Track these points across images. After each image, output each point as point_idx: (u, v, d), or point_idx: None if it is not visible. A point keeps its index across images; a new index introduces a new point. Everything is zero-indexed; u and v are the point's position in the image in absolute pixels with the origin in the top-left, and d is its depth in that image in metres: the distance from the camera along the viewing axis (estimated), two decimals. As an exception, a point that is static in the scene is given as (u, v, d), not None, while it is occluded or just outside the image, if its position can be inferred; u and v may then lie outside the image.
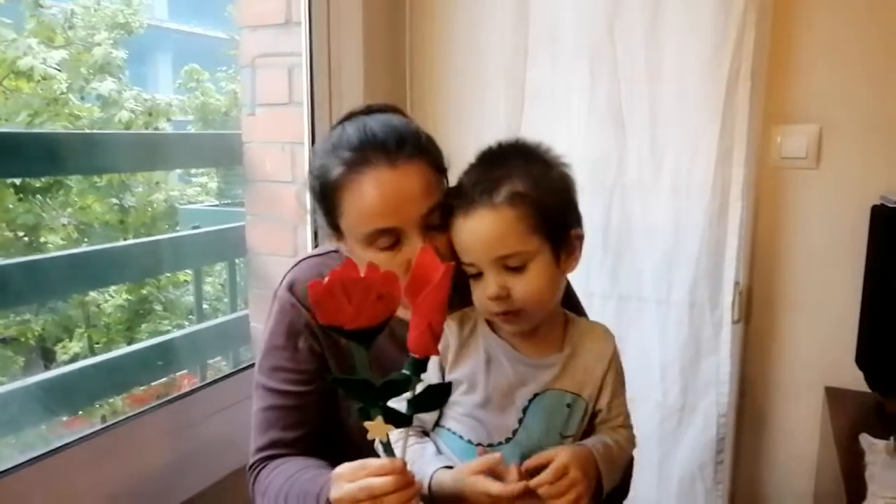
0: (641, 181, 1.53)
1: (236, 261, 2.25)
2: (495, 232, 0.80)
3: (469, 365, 0.82)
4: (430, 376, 0.81)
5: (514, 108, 1.62)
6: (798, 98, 1.50)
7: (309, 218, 1.47)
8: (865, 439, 1.26)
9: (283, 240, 1.55)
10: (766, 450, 1.64)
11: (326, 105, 1.50)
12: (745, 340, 1.59)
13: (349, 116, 0.89)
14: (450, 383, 0.74)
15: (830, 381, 1.52)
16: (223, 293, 2.61)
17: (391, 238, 0.82)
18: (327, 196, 0.85)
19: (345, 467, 0.75)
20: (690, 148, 1.48)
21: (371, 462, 0.73)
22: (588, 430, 0.88)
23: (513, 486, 0.75)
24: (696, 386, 1.53)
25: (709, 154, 1.47)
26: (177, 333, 2.33)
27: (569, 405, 0.83)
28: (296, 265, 0.96)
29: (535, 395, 0.82)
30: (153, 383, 2.18)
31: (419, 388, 0.72)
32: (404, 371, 0.71)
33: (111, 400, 2.05)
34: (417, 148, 0.84)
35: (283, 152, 1.52)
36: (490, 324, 0.86)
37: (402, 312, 0.73)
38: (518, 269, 0.80)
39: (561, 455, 0.78)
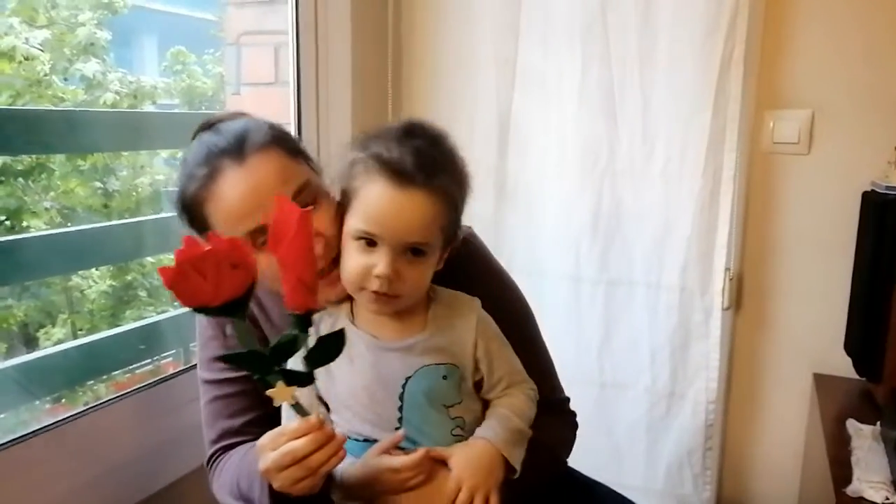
0: (632, 166, 1.52)
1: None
2: (423, 217, 0.78)
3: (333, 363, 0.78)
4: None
5: (505, 91, 1.61)
6: (791, 83, 1.49)
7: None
8: (852, 425, 1.26)
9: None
10: (755, 436, 1.64)
11: (313, 85, 1.47)
12: (735, 326, 1.59)
13: (193, 137, 0.90)
14: (341, 330, 0.70)
15: (819, 367, 1.52)
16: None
17: (267, 234, 0.79)
18: (194, 217, 0.85)
19: (265, 437, 0.74)
20: (682, 132, 1.47)
21: (288, 426, 0.72)
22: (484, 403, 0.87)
23: (413, 455, 0.76)
24: (685, 372, 1.53)
25: (700, 139, 1.46)
26: (159, 317, 2.30)
27: (444, 377, 0.82)
28: None
29: (408, 379, 0.80)
30: (138, 371, 2.15)
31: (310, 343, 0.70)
32: (289, 332, 0.69)
33: (95, 387, 2.02)
34: (261, 141, 0.84)
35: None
36: (351, 312, 0.84)
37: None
38: (416, 258, 0.79)
39: (453, 467, 0.79)
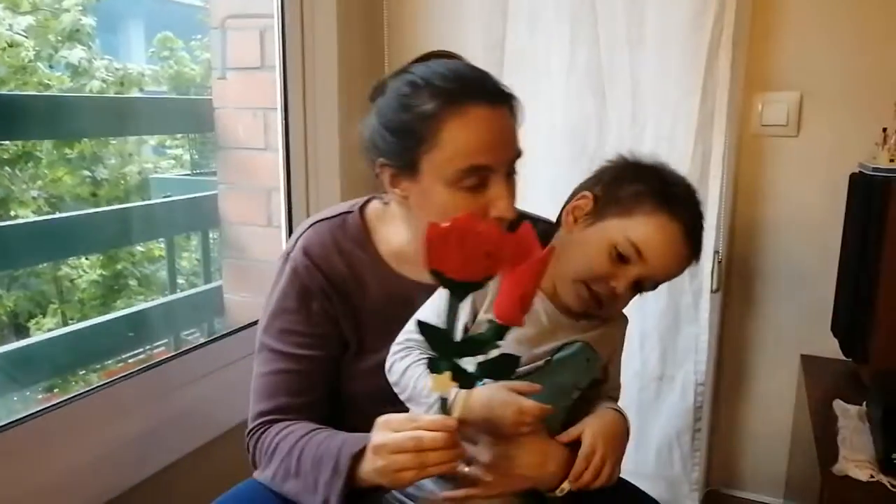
0: (622, 148, 1.48)
1: (210, 233, 2.21)
2: (682, 269, 0.84)
3: None
4: (462, 313, 0.81)
5: (493, 70, 1.58)
6: (779, 65, 1.49)
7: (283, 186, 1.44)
8: (839, 405, 1.27)
9: (256, 209, 1.52)
10: (743, 417, 1.66)
11: (299, 70, 1.46)
12: (724, 309, 1.60)
13: (417, 61, 0.87)
14: (518, 357, 0.72)
15: (806, 349, 1.53)
16: (199, 268, 2.56)
17: (479, 178, 0.81)
18: (414, 127, 0.81)
19: (393, 416, 0.74)
20: (671, 115, 1.47)
21: (423, 416, 0.73)
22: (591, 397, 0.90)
23: (542, 406, 0.76)
24: (674, 355, 1.54)
25: (689, 122, 1.45)
26: (148, 304, 2.29)
27: (588, 359, 0.86)
28: (308, 228, 0.93)
29: (563, 345, 0.84)
30: (130, 359, 2.15)
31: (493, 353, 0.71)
32: (485, 333, 0.70)
33: (87, 376, 2.01)
34: (510, 95, 0.85)
35: (255, 118, 1.49)
36: None
37: (417, 275, 0.74)
38: (643, 290, 0.85)
39: (587, 434, 0.81)
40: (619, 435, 0.86)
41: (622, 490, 0.94)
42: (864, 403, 1.24)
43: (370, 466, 0.73)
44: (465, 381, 0.69)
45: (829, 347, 1.43)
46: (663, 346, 1.54)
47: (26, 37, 2.28)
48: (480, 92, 0.81)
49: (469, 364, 0.69)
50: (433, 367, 0.69)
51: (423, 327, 0.70)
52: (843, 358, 1.41)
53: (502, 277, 0.68)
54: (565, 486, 0.80)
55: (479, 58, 1.58)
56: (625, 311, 1.64)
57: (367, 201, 0.96)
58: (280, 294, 0.90)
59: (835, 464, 1.08)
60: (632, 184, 0.85)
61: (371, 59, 1.61)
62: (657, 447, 1.58)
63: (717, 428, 1.67)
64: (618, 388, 0.96)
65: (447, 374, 0.68)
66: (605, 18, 1.48)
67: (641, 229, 0.81)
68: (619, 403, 0.95)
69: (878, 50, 1.42)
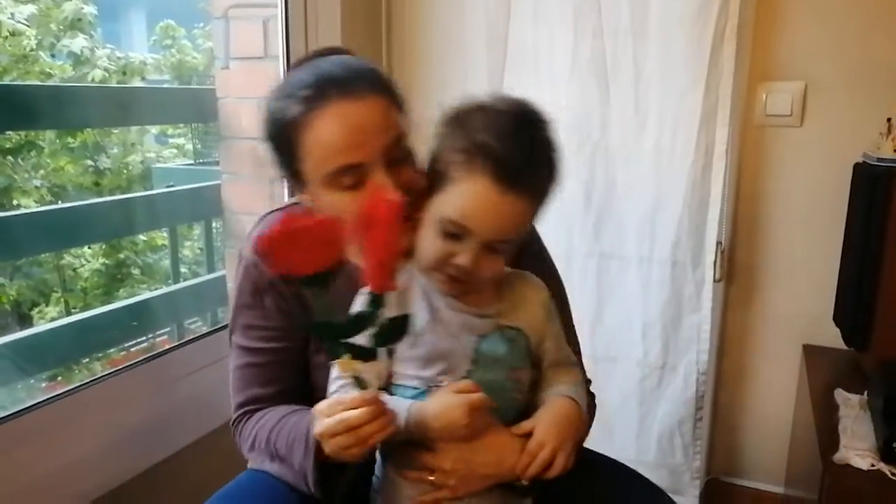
0: (625, 140, 1.51)
1: (213, 222, 2.21)
2: (521, 218, 0.78)
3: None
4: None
5: (497, 64, 1.59)
6: (784, 55, 1.48)
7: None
8: (840, 394, 1.28)
9: (259, 198, 1.52)
10: (745, 406, 1.66)
11: (303, 59, 1.45)
12: (726, 299, 1.60)
13: (298, 63, 0.86)
14: (408, 315, 0.74)
15: (808, 338, 1.53)
16: (203, 257, 2.57)
17: (356, 176, 0.79)
18: (285, 139, 0.81)
19: (322, 404, 0.76)
20: (675, 106, 1.46)
21: (346, 397, 0.75)
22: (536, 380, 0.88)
23: (483, 397, 0.77)
24: (677, 344, 1.54)
25: (693, 113, 1.45)
26: (151, 294, 2.30)
27: (511, 339, 0.84)
28: (259, 221, 0.94)
29: (482, 338, 0.82)
30: (133, 348, 2.16)
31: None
32: (365, 308, 0.72)
33: (90, 365, 2.02)
34: (374, 82, 0.82)
35: (258, 108, 1.48)
36: None
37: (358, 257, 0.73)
38: (498, 251, 0.78)
39: (537, 429, 0.80)
40: (571, 422, 0.83)
41: (620, 471, 0.95)
42: (866, 392, 1.24)
43: (326, 450, 0.77)
44: (364, 354, 0.72)
45: (831, 337, 1.44)
46: (665, 335, 1.55)
47: (28, 26, 2.28)
48: (337, 88, 0.79)
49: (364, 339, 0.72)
50: (333, 353, 0.72)
51: (306, 327, 0.75)
52: (845, 347, 1.42)
53: (360, 251, 0.69)
54: (523, 481, 0.81)
55: (482, 50, 1.59)
56: (617, 296, 1.63)
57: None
58: (238, 291, 0.92)
59: (836, 452, 1.09)
60: (444, 150, 0.78)
61: (374, 50, 1.60)
62: (659, 436, 1.58)
63: (719, 417, 1.68)
64: (570, 355, 0.91)
65: (347, 356, 0.71)
66: (608, 9, 1.48)
67: (456, 202, 0.75)
68: (619, 387, 0.94)
69: (883, 39, 1.41)
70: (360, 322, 0.71)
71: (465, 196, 0.75)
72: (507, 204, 0.74)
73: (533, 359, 0.87)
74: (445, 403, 0.77)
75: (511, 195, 0.74)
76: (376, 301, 0.71)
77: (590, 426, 0.95)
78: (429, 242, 0.78)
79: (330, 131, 0.78)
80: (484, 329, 0.82)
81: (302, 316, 0.90)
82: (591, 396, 1.00)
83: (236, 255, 0.95)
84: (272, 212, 0.95)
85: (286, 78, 0.85)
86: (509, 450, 0.80)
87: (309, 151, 0.80)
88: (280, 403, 0.90)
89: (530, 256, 0.93)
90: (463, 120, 0.78)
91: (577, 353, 0.97)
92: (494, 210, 0.74)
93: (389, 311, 0.73)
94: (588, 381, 1.00)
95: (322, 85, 0.79)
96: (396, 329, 0.73)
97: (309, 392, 0.92)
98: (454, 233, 0.76)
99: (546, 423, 0.81)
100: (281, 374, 0.92)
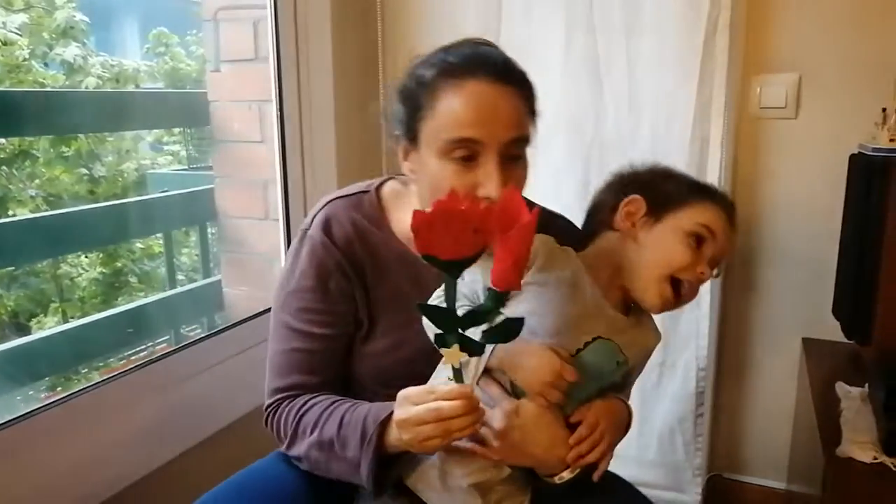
0: (620, 134, 1.51)
1: (208, 227, 2.20)
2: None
3: (554, 275, 0.85)
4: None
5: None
6: (778, 47, 1.48)
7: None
8: (841, 387, 1.27)
9: (253, 201, 1.52)
10: (745, 401, 1.65)
11: (294, 61, 1.45)
12: (725, 294, 1.59)
13: (448, 47, 0.88)
14: (522, 319, 0.74)
15: (808, 331, 1.52)
16: (199, 263, 2.56)
17: (469, 151, 0.81)
18: (419, 96, 0.84)
19: (411, 390, 0.76)
20: (669, 100, 1.46)
21: (440, 387, 0.75)
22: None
23: (575, 371, 0.79)
24: (676, 340, 1.53)
25: (687, 106, 1.45)
26: (147, 300, 2.29)
27: (619, 362, 0.87)
28: (325, 205, 0.93)
29: (600, 337, 0.85)
30: (132, 356, 2.15)
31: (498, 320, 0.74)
32: (485, 303, 0.73)
33: (89, 374, 2.01)
34: (523, 82, 0.85)
35: (250, 111, 1.48)
36: None
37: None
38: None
39: (592, 411, 0.83)
40: (621, 421, 0.87)
41: (619, 488, 0.95)
42: (867, 385, 1.23)
43: (396, 437, 0.77)
44: (474, 349, 0.72)
45: (831, 330, 1.43)
46: (664, 331, 1.51)
47: (20, 35, 2.27)
48: (483, 68, 0.82)
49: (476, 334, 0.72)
50: (441, 342, 0.72)
51: (425, 309, 0.73)
52: (845, 340, 1.40)
53: (495, 247, 0.70)
54: (565, 474, 0.82)
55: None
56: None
57: (385, 181, 0.97)
58: (298, 272, 0.90)
59: (838, 446, 1.08)
60: (667, 183, 0.90)
61: (365, 49, 1.60)
62: (659, 433, 1.57)
63: (720, 413, 1.67)
64: (628, 396, 0.95)
65: (455, 347, 0.71)
66: (600, 4, 1.47)
67: (705, 213, 0.86)
68: None
69: (877, 30, 1.40)
70: (479, 316, 0.72)
71: (712, 211, 0.87)
72: (732, 228, 0.87)
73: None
74: (544, 353, 0.79)
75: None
76: (499, 298, 0.72)
77: (623, 435, 0.96)
78: (674, 249, 0.85)
79: (466, 102, 0.81)
80: (617, 336, 0.86)
81: (364, 302, 0.90)
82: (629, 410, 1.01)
83: (298, 236, 0.92)
84: (338, 197, 0.94)
85: (433, 52, 0.87)
86: (561, 442, 0.81)
87: (438, 113, 0.82)
88: (321, 394, 0.89)
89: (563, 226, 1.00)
90: (663, 169, 0.94)
91: None
92: (729, 227, 0.87)
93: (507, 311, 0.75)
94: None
95: (476, 61, 0.83)
96: (510, 330, 0.74)
97: (348, 385, 0.92)
98: (702, 237, 0.85)
99: (601, 410, 0.84)
100: (329, 362, 0.91)
